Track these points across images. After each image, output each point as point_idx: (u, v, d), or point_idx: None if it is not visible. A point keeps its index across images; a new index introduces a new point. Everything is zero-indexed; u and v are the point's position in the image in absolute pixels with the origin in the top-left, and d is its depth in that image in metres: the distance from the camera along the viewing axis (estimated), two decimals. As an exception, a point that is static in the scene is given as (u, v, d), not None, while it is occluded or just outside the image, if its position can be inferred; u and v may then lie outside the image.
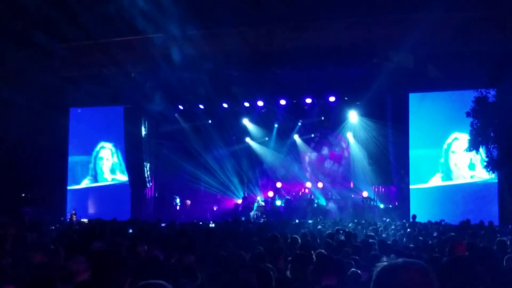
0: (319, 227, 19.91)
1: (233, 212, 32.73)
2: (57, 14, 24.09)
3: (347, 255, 10.12)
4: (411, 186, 30.03)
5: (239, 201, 34.59)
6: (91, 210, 34.54)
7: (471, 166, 28.74)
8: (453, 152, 29.75)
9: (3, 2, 23.76)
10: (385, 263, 3.20)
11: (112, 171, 35.38)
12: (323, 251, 10.02)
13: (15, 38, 25.88)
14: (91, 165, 35.65)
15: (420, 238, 14.64)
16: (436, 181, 30.09)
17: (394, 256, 9.30)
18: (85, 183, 35.57)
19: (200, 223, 23.18)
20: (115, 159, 35.33)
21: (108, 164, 35.46)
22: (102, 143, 35.55)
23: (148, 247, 10.29)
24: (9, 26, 25.13)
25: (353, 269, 8.32)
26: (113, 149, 35.38)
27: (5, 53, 26.72)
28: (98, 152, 35.60)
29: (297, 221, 24.46)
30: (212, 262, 8.59)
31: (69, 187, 35.27)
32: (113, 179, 35.32)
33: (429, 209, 28.69)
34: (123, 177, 35.01)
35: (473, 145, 21.66)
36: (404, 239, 15.38)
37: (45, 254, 8.59)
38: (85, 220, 29.86)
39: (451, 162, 29.88)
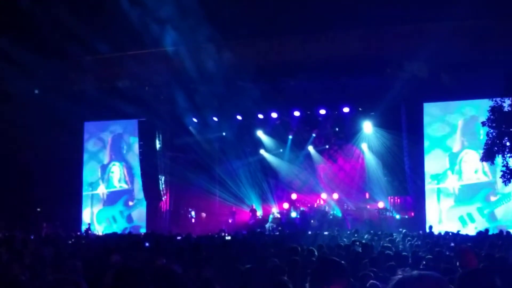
0: (342, 240, 19.82)
1: (248, 225, 32.68)
2: (71, 29, 24.25)
3: (365, 267, 10.07)
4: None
5: (257, 214, 34.59)
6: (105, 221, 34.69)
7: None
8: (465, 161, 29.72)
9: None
10: (400, 276, 3.18)
11: (119, 180, 35.44)
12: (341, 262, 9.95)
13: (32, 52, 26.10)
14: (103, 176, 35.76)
15: (436, 249, 14.56)
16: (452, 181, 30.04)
17: (409, 269, 9.24)
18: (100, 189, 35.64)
19: (216, 235, 23.12)
20: (124, 172, 35.42)
21: (117, 176, 35.50)
22: (113, 162, 35.65)
23: (166, 261, 10.29)
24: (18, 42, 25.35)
25: (372, 281, 8.25)
26: (122, 166, 35.44)
27: (19, 69, 26.87)
28: (110, 168, 35.66)
29: (309, 232, 24.37)
30: (230, 276, 8.57)
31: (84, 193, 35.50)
32: (120, 186, 35.36)
33: (446, 217, 28.77)
34: (126, 186, 35.23)
35: (488, 155, 21.49)
36: (421, 250, 15.28)
37: (62, 269, 8.60)
38: (101, 233, 29.93)
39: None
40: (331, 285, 6.39)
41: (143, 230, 30.81)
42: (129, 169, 35.24)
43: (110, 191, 35.40)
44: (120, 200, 35.04)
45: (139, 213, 34.49)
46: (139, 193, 34.67)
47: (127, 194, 35.13)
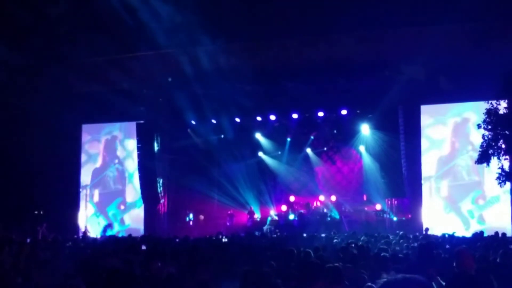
0: (335, 240, 19.89)
1: (246, 227, 32.72)
2: (69, 31, 24.31)
3: (360, 269, 10.13)
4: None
5: (255, 216, 34.63)
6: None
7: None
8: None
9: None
10: (385, 279, 3.25)
11: (113, 183, 35.59)
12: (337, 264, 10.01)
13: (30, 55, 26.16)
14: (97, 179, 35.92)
15: (434, 251, 14.60)
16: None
17: (394, 272, 9.30)
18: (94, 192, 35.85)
19: (213, 238, 23.15)
20: (117, 174, 35.57)
21: (110, 179, 35.63)
22: (107, 165, 35.79)
23: (161, 264, 10.34)
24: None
25: (368, 283, 8.31)
26: (116, 169, 35.59)
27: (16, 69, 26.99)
28: (103, 171, 35.79)
29: (304, 235, 24.36)
30: (226, 278, 8.64)
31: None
32: (115, 188, 35.50)
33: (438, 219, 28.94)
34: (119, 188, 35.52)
35: (484, 157, 21.52)
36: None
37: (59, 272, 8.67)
38: (98, 236, 29.92)
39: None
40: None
41: (136, 233, 30.78)
42: (123, 172, 35.37)
43: (103, 194, 35.52)
44: (113, 203, 35.19)
45: (131, 216, 34.59)
46: (131, 196, 34.87)
47: (120, 197, 35.28)
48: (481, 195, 29.08)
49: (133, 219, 34.33)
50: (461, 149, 29.81)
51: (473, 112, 28.80)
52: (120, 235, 29.21)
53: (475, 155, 23.17)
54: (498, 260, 11.06)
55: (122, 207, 34.94)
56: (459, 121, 29.89)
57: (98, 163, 35.87)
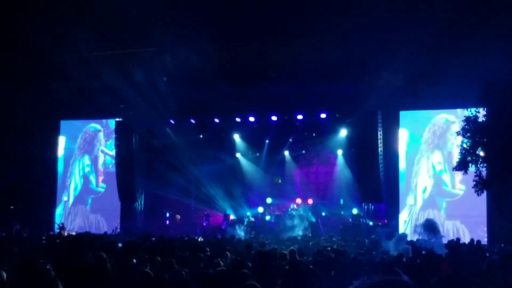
0: (311, 243, 19.92)
1: (221, 229, 32.63)
2: (51, 28, 24.19)
3: (337, 273, 10.13)
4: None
5: (230, 217, 34.56)
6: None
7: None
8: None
9: None
10: (362, 280, 3.21)
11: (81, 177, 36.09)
12: (311, 267, 9.99)
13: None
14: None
15: (409, 256, 14.64)
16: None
17: (367, 277, 9.27)
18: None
19: (186, 238, 23.03)
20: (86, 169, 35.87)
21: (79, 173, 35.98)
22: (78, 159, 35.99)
23: (137, 262, 10.28)
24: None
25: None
26: (85, 164, 35.77)
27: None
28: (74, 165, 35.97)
29: (284, 237, 24.37)
30: (201, 278, 8.60)
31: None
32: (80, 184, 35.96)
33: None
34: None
35: (462, 165, 21.51)
36: (393, 258, 15.34)
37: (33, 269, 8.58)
38: (73, 233, 29.73)
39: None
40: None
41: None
42: (93, 166, 35.70)
43: (74, 189, 35.76)
44: (83, 198, 35.62)
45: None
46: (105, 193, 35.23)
47: (89, 192, 35.69)
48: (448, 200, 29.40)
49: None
50: (425, 150, 30.19)
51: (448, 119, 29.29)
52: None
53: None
54: (484, 267, 11.02)
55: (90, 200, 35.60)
56: (431, 127, 30.21)
57: (73, 157, 36.02)
